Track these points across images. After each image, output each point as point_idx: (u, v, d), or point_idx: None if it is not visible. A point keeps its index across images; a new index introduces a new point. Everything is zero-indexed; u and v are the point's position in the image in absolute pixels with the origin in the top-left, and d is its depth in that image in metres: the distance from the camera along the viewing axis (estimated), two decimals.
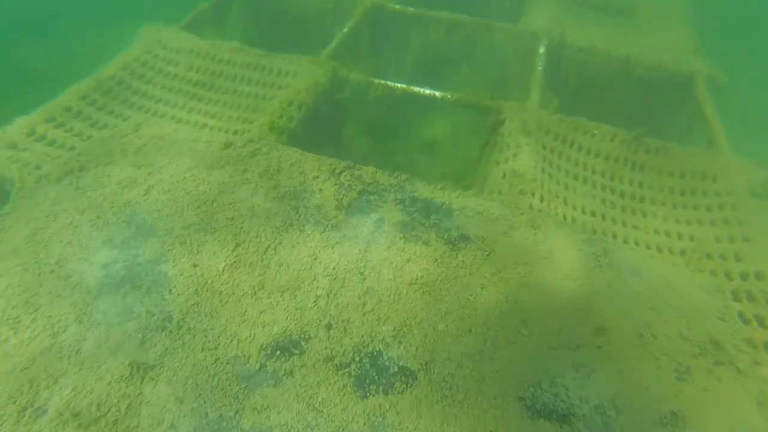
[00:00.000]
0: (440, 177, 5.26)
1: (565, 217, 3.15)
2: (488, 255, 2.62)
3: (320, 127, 3.90)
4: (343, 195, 2.93)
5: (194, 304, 2.35)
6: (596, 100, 4.99)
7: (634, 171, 3.54)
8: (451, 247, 2.65)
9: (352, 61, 4.50)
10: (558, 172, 3.46)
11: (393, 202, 2.90)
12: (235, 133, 3.58)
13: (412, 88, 3.93)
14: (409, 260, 2.57)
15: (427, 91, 3.90)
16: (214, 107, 3.82)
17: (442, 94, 3.87)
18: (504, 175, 3.27)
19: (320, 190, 2.95)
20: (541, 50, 4.53)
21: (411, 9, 5.04)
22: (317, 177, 3.03)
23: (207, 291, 2.41)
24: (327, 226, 2.74)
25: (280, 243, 2.64)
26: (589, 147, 3.63)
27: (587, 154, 3.61)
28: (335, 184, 2.99)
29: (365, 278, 2.48)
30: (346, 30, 4.58)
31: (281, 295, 2.41)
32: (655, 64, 4.53)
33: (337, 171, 3.08)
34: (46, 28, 7.58)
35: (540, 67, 4.29)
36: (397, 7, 5.05)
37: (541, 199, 3.15)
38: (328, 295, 2.41)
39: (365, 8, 4.95)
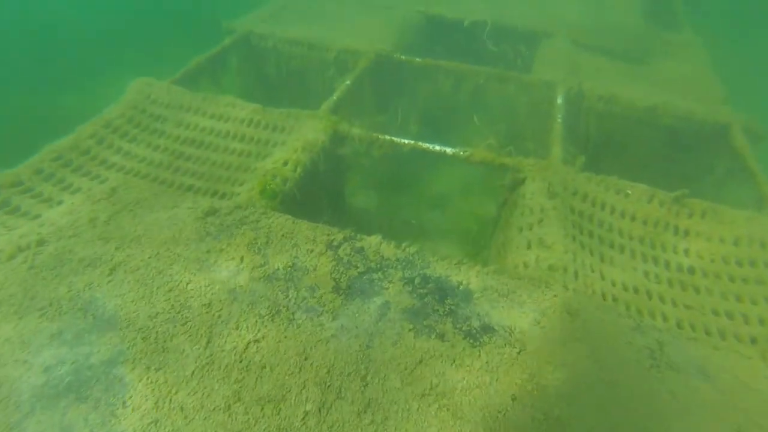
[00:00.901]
0: (452, 234, 4.83)
1: (604, 296, 2.67)
2: (519, 353, 2.13)
3: (318, 187, 3.52)
4: (342, 273, 2.48)
5: (152, 423, 1.87)
6: (619, 153, 4.60)
7: (677, 237, 3.07)
8: (472, 342, 2.17)
9: (355, 115, 4.18)
10: (591, 239, 3.00)
11: (401, 282, 2.45)
12: (223, 196, 3.20)
13: (420, 144, 3.57)
14: (420, 361, 2.08)
15: (437, 148, 3.53)
16: (203, 166, 3.46)
17: (453, 150, 3.50)
18: (529, 245, 2.82)
19: (315, 267, 2.51)
20: (559, 101, 4.19)
21: (417, 59, 4.78)
22: (312, 251, 2.60)
23: (169, 404, 1.92)
24: (321, 313, 2.28)
25: (264, 337, 2.17)
26: (623, 209, 3.19)
27: (622, 218, 3.17)
28: (332, 260, 2.55)
29: (367, 385, 1.99)
30: (348, 82, 4.30)
31: (261, 410, 1.91)
32: (685, 114, 4.17)
33: (335, 243, 2.65)
34: (45, 82, 7.49)
35: (559, 119, 3.93)
36: (403, 57, 4.80)
37: (575, 275, 2.68)
38: (319, 410, 1.91)
39: (369, 59, 4.70)
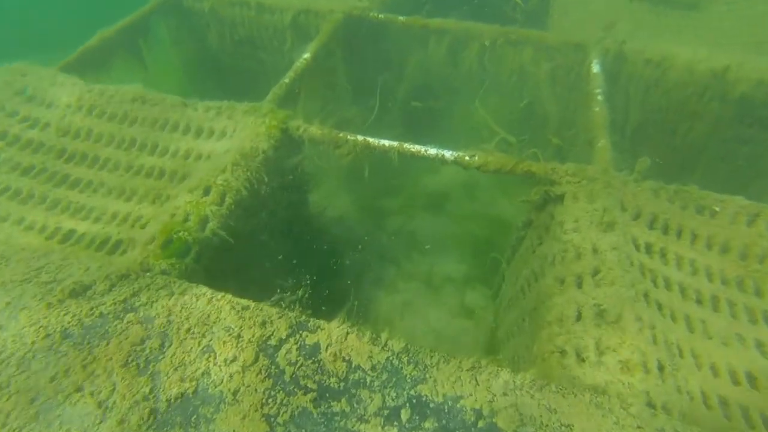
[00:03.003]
0: (455, 245, 3.81)
1: (706, 399, 1.68)
2: None
3: (263, 218, 2.46)
4: (280, 405, 1.48)
5: None
6: (668, 136, 3.53)
7: None
8: None
9: (317, 104, 3.07)
10: (669, 293, 1.99)
11: (379, 420, 1.45)
12: (116, 248, 2.15)
13: (407, 146, 2.48)
14: None
15: (431, 151, 2.45)
16: (92, 198, 2.39)
17: (455, 154, 2.42)
18: (580, 316, 1.81)
19: (234, 394, 1.50)
20: (595, 69, 3.07)
21: (401, 18, 3.60)
22: (232, 361, 1.58)
23: None
24: None
25: None
26: (709, 237, 2.16)
27: (708, 250, 2.14)
28: (266, 377, 1.54)
29: None
30: (307, 56, 3.15)
31: None
32: None
33: (273, 341, 1.64)
34: None
35: (600, 97, 2.83)
36: (381, 16, 3.62)
37: (660, 370, 1.68)
38: None
39: (336, 22, 3.52)
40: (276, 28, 3.81)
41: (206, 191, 2.22)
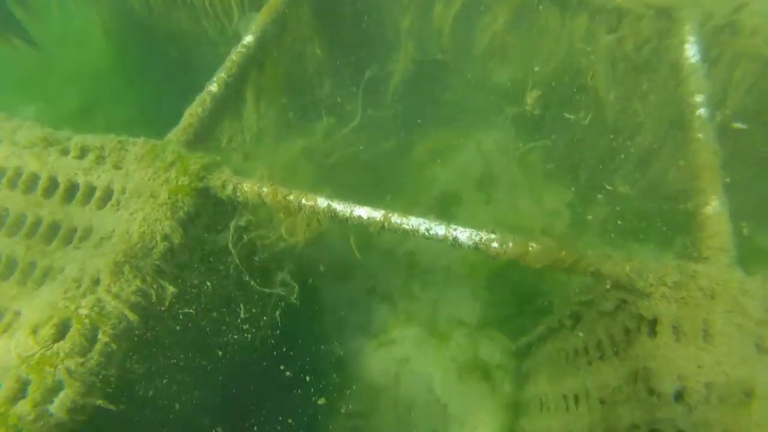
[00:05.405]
0: (468, 272, 2.96)
1: None
2: None
3: (166, 361, 1.59)
4: None
5: None
6: None
7: None
8: None
9: (274, 105, 2.07)
10: None
11: None
12: None
13: (397, 221, 1.54)
14: None
15: (438, 230, 1.51)
16: None
17: (475, 236, 1.49)
18: None
19: None
20: (692, 54, 1.99)
21: None
22: None
23: None
24: None
25: None
26: None
27: None
28: None
29: None
30: (249, 39, 2.06)
31: None
32: None
33: None
34: None
35: (703, 112, 1.80)
36: None
37: None
38: None
39: None
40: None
41: (62, 329, 1.34)
